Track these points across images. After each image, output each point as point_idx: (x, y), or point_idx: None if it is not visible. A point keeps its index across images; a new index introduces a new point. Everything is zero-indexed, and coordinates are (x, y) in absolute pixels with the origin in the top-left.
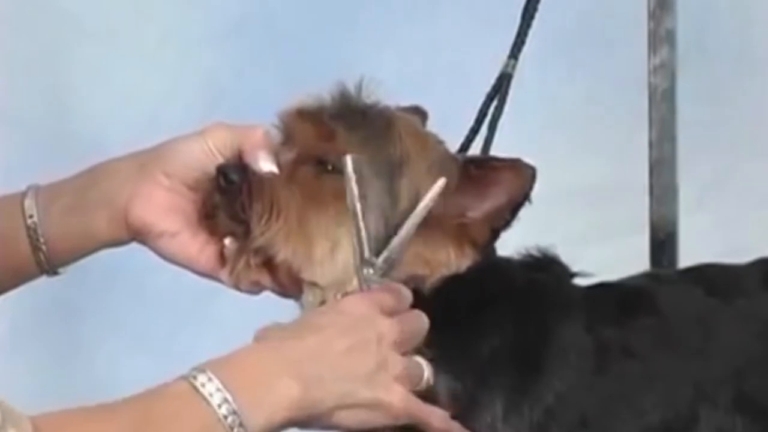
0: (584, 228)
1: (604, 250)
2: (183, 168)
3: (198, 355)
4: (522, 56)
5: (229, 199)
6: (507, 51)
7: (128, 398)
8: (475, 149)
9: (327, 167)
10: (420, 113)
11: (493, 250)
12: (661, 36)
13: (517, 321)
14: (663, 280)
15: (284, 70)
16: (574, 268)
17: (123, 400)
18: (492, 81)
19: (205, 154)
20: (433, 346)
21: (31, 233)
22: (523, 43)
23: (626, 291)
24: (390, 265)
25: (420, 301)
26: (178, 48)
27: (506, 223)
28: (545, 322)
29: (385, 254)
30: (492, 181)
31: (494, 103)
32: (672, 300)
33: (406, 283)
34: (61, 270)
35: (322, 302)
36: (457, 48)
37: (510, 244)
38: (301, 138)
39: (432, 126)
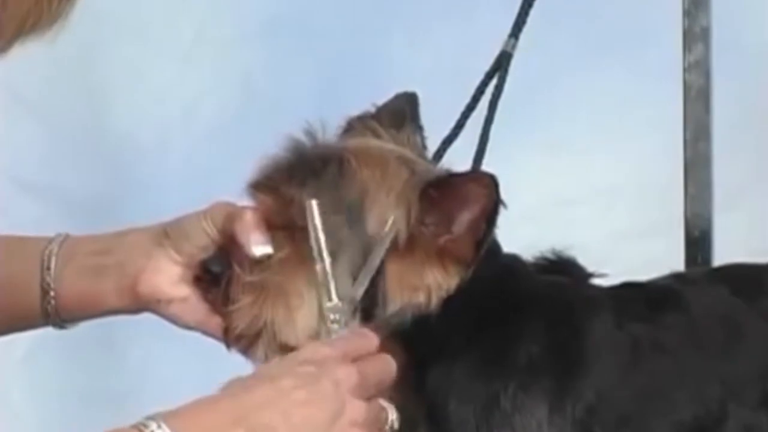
0: (619, 226)
1: (639, 248)
2: (189, 246)
3: (227, 354)
4: (557, 55)
5: (213, 290)
6: (541, 50)
7: None
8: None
9: (295, 231)
10: (407, 99)
11: (501, 253)
12: (695, 34)
13: (548, 324)
14: (689, 280)
15: (319, 68)
16: (609, 267)
17: None
18: (526, 79)
19: (206, 234)
20: (468, 357)
21: (45, 285)
22: (524, 22)
23: (652, 289)
24: (355, 306)
25: (439, 320)
26: (212, 46)
27: (486, 234)
28: (576, 322)
29: (350, 295)
30: (456, 198)
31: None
32: (698, 299)
33: (403, 313)
34: (68, 325)
35: None
36: (492, 46)
37: (545, 244)
38: (264, 210)
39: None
